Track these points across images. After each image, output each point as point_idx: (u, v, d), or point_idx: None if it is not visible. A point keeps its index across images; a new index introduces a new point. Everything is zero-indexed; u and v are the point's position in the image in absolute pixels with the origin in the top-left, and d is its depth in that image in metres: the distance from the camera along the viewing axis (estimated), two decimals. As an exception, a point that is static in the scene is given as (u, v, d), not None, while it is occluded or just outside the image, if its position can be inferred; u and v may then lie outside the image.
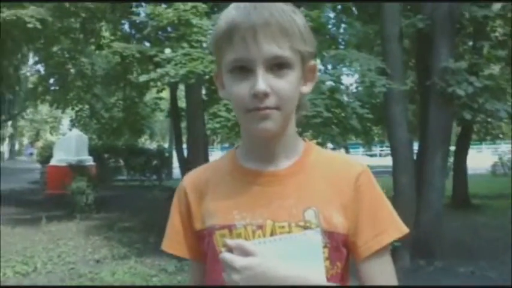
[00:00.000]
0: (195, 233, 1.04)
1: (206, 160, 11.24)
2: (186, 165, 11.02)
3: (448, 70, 5.99)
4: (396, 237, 0.98)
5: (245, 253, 0.86)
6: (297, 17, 0.94)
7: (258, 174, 0.99)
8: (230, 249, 0.88)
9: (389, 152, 7.12)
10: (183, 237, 1.06)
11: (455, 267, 5.79)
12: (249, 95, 0.91)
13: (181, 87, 11.27)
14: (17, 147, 44.13)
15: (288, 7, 0.94)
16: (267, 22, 0.89)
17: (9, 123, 33.43)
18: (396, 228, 0.99)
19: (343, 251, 0.97)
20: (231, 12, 0.93)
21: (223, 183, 1.02)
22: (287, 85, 0.92)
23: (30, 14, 8.88)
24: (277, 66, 0.91)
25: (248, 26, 0.89)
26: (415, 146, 7.59)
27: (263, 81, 0.89)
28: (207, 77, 6.17)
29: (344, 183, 0.98)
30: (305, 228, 0.93)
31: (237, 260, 0.86)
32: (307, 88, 1.02)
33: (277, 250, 0.88)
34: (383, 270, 0.99)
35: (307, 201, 0.96)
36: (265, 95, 0.90)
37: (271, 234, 0.93)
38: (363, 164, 1.03)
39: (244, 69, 0.92)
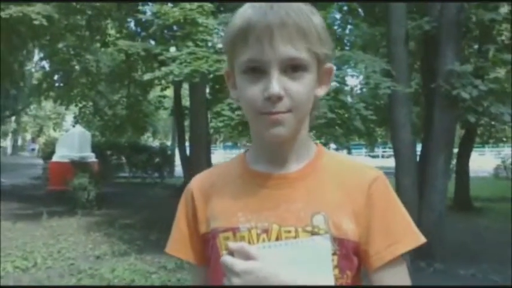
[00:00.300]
0: (200, 237, 1.01)
1: (208, 159, 11.23)
2: (188, 164, 11.03)
3: (453, 73, 5.97)
4: (411, 248, 0.93)
5: (247, 257, 0.83)
6: (314, 18, 0.91)
7: (267, 176, 0.96)
8: (232, 252, 0.85)
9: (392, 153, 7.10)
10: (188, 241, 1.03)
11: (455, 269, 5.77)
12: (261, 98, 0.88)
13: (185, 85, 11.27)
14: (20, 142, 44.26)
15: (306, 7, 0.91)
16: (284, 22, 0.86)
17: (13, 118, 33.53)
18: (412, 238, 0.94)
19: (353, 259, 0.92)
20: (246, 11, 0.90)
21: (230, 186, 1.00)
22: (302, 88, 0.89)
23: (36, 10, 8.90)
24: (292, 68, 0.88)
25: (264, 26, 0.86)
26: (418, 148, 7.57)
27: (277, 83, 0.86)
28: (211, 76, 6.16)
29: (357, 189, 0.94)
30: (313, 233, 0.89)
31: (237, 263, 0.82)
32: (322, 91, 0.98)
33: (282, 255, 0.84)
34: (396, 282, 0.93)
35: (316, 205, 0.92)
36: (279, 98, 0.87)
37: (277, 239, 0.90)
38: (377, 170, 0.99)
39: (258, 71, 0.88)
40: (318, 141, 1.05)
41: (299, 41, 0.87)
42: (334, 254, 0.88)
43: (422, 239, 0.95)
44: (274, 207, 0.93)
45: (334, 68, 1.01)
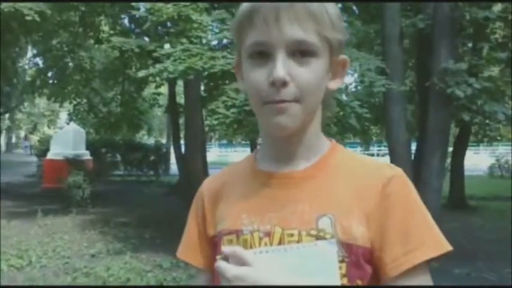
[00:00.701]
0: (209, 240, 0.96)
1: (203, 156, 11.22)
2: (184, 161, 11.01)
3: (447, 71, 5.99)
4: (434, 255, 0.82)
5: (240, 262, 0.77)
6: (328, 5, 0.85)
7: (271, 175, 0.90)
8: (227, 257, 0.79)
9: (387, 151, 7.12)
10: (198, 245, 0.98)
11: (450, 268, 5.79)
12: (266, 84, 0.81)
13: (180, 82, 11.24)
14: (14, 140, 44.06)
15: None
16: (292, 4, 0.81)
17: (7, 116, 33.35)
18: (435, 244, 0.83)
19: (365, 267, 0.82)
20: None
21: (238, 186, 0.95)
22: (310, 74, 0.82)
23: (28, 6, 8.83)
24: (301, 53, 0.82)
25: (270, 7, 0.81)
26: (413, 146, 7.59)
27: (283, 67, 0.80)
28: (206, 73, 6.15)
29: (369, 189, 0.85)
30: (317, 237, 0.81)
31: (229, 269, 0.77)
32: (335, 84, 0.91)
33: (281, 261, 0.77)
34: None
35: (322, 207, 0.84)
36: (284, 83, 0.80)
37: (280, 243, 0.83)
38: (396, 168, 0.89)
39: (264, 55, 0.83)
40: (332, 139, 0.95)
41: (308, 22, 0.81)
42: (342, 261, 0.80)
43: (447, 247, 0.84)
44: (278, 209, 0.86)
45: (349, 60, 0.93)
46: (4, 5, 8.68)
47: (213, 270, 0.91)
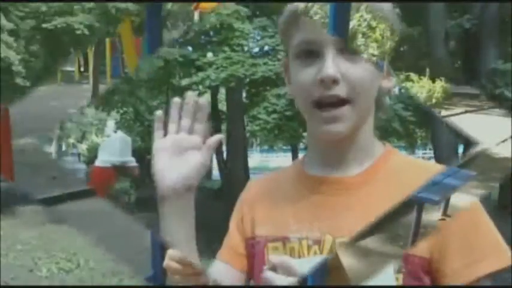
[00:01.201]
0: (246, 241, 0.93)
1: (245, 163, 11.28)
2: (225, 167, 11.13)
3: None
4: (498, 268, 0.77)
5: (289, 272, 0.72)
6: None
7: (321, 181, 0.84)
8: (274, 267, 0.75)
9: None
10: (236, 248, 0.95)
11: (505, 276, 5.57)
12: (315, 83, 0.76)
13: (222, 90, 11.39)
14: (64, 148, 45.87)
15: None
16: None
17: (57, 125, 34.75)
18: (499, 256, 0.77)
19: (424, 279, 0.77)
20: None
21: (282, 191, 0.90)
22: (362, 72, 0.77)
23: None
24: (351, 49, 0.77)
25: (318, 4, 0.77)
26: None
27: (333, 65, 0.75)
28: (247, 80, 6.21)
29: None
30: None
31: (277, 279, 0.72)
32: (389, 83, 0.84)
33: None
34: None
35: (376, 215, 0.78)
36: (335, 81, 0.75)
37: (331, 251, 0.78)
38: None
39: (312, 54, 0.78)
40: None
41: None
42: (398, 272, 0.76)
43: None
44: (328, 216, 0.82)
45: None
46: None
47: (248, 272, 0.92)
